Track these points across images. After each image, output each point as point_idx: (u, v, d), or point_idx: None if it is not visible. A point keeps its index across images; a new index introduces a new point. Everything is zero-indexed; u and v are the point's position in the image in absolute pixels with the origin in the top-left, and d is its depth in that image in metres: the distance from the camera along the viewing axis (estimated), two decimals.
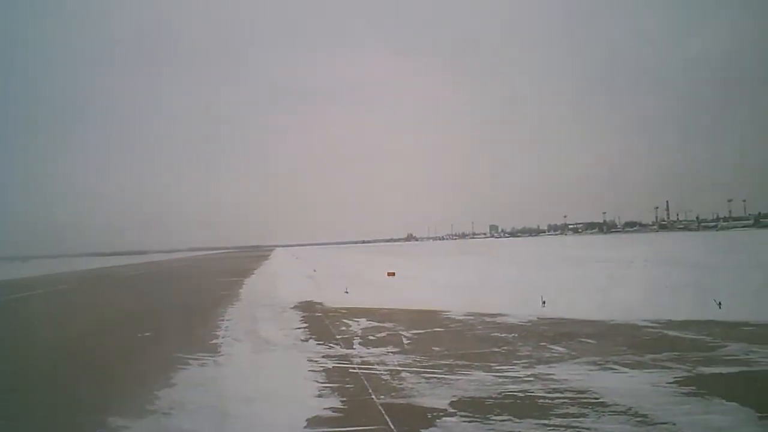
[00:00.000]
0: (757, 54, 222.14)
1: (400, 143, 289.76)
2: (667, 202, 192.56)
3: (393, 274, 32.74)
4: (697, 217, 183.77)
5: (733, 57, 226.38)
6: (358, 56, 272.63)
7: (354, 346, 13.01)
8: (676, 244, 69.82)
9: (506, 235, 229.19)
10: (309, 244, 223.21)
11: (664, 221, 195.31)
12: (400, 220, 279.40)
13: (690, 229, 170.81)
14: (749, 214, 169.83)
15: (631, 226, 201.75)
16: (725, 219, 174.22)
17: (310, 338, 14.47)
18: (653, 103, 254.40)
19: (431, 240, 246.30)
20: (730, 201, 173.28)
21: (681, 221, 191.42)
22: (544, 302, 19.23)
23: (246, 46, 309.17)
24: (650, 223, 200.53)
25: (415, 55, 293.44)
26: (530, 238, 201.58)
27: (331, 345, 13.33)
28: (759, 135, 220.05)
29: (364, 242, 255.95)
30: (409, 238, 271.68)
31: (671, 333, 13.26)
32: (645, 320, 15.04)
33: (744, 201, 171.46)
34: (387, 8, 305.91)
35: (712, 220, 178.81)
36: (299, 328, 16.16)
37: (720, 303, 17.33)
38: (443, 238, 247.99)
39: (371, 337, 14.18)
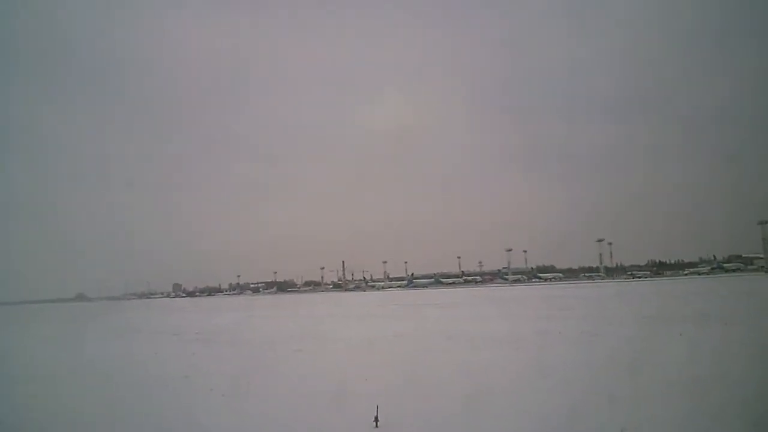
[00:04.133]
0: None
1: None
2: (342, 262, 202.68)
3: None
4: (364, 278, 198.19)
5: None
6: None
7: None
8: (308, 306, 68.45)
9: (183, 294, 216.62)
10: None
11: (340, 281, 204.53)
12: (69, 277, 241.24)
13: (360, 289, 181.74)
14: (406, 276, 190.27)
15: (308, 285, 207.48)
16: (389, 279, 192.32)
17: None
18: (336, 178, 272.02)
19: (105, 300, 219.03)
20: (384, 262, 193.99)
21: (355, 281, 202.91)
22: None
23: None
24: (328, 282, 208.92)
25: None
26: (207, 297, 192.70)
27: None
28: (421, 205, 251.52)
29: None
30: (80, 297, 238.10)
31: None
32: None
33: (405, 262, 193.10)
34: None
35: (378, 280, 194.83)
36: None
37: None
38: (119, 298, 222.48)
39: None
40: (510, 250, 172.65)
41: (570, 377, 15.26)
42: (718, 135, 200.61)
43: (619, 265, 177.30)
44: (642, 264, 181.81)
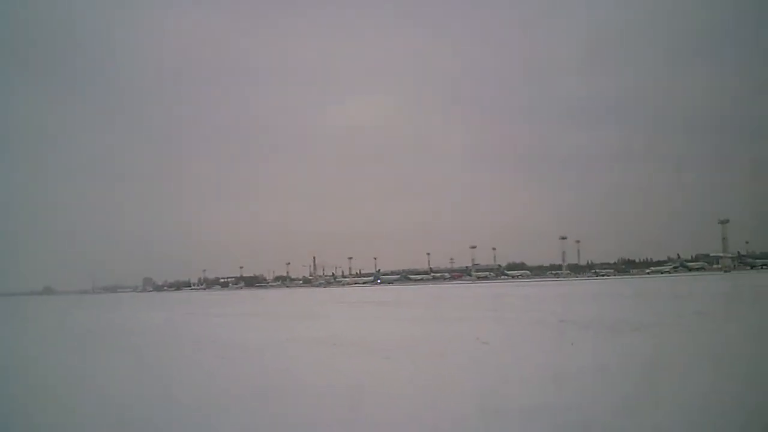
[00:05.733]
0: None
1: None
2: (313, 258, 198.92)
3: None
4: (333, 274, 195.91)
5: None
6: None
7: None
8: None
9: (150, 289, 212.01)
10: None
11: (311, 276, 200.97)
12: (37, 269, 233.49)
13: (328, 285, 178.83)
14: (378, 271, 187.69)
15: (278, 281, 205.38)
16: (358, 275, 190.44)
17: None
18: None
19: (70, 294, 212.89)
20: (350, 258, 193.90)
21: (324, 276, 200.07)
22: None
23: None
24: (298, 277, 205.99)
25: None
26: (174, 292, 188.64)
27: None
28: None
29: None
30: (48, 290, 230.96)
31: None
32: None
33: (375, 259, 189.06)
34: None
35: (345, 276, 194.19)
36: None
37: None
38: (87, 292, 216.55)
39: None
40: (474, 247, 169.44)
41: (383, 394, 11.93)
42: (693, 138, 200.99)
43: (590, 262, 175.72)
44: (612, 262, 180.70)
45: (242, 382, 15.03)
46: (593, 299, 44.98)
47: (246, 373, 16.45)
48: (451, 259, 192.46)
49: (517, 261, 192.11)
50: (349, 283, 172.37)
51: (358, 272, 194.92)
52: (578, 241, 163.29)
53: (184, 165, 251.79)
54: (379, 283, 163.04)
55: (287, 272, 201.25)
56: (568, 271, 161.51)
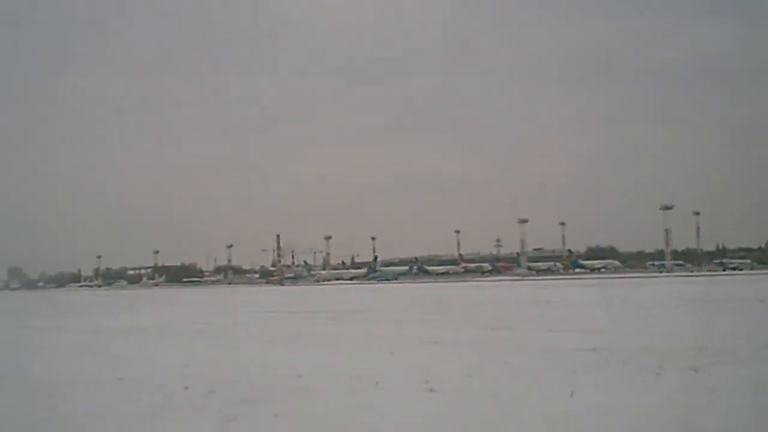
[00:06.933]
0: None
1: None
2: (277, 236, 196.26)
3: None
4: (305, 262, 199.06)
5: None
6: None
7: None
8: None
9: (17, 285, 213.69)
10: None
11: (273, 266, 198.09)
12: None
13: (299, 279, 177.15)
14: (375, 260, 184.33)
15: (219, 272, 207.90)
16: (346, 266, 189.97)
17: None
18: None
19: None
20: (328, 238, 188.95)
21: (295, 267, 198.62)
22: None
23: None
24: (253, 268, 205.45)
25: None
26: (56, 290, 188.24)
27: None
28: None
29: None
30: None
31: None
32: None
33: (373, 239, 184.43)
34: None
35: (339, 266, 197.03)
36: None
37: None
38: None
39: None
40: (525, 221, 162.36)
41: None
42: None
43: (720, 247, 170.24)
44: (755, 248, 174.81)
45: None
46: (676, 308, 41.25)
47: None
48: (498, 240, 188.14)
49: (603, 245, 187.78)
50: (327, 279, 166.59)
51: (344, 262, 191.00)
52: (697, 213, 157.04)
53: (79, 80, 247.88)
54: (376, 279, 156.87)
55: (229, 259, 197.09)
56: (676, 262, 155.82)
